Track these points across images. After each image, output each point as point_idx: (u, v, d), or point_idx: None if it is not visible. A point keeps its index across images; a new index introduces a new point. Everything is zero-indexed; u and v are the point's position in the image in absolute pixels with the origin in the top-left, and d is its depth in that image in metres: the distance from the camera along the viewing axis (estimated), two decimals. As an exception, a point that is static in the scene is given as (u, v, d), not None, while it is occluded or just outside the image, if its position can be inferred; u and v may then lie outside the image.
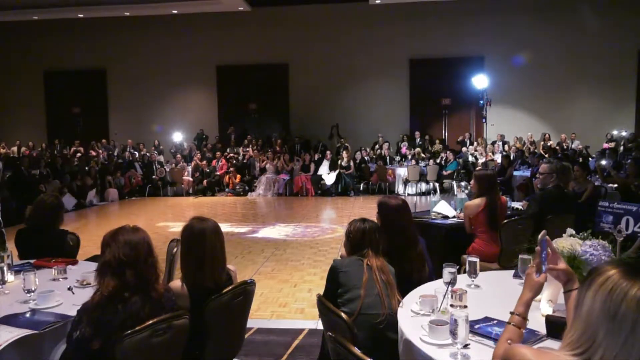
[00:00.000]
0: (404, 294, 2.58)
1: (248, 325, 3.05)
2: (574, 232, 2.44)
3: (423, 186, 13.38)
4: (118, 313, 2.07)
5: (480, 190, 4.30)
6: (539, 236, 1.88)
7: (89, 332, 2.03)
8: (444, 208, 4.99)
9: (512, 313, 1.77)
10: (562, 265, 1.86)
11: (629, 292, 1.20)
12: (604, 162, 10.05)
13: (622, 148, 13.89)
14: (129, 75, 17.81)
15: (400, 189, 13.42)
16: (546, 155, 12.14)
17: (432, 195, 12.79)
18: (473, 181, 4.42)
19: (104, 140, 16.90)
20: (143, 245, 2.19)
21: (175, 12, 16.42)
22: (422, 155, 14.45)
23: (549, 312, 2.19)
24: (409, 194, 13.08)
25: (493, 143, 15.06)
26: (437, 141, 15.89)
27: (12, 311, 2.46)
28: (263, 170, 14.18)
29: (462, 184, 9.39)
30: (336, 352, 1.99)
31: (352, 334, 2.23)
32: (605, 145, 13.90)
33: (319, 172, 13.86)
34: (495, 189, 4.34)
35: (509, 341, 1.66)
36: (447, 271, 2.50)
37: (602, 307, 1.22)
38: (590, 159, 12.49)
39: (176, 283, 2.55)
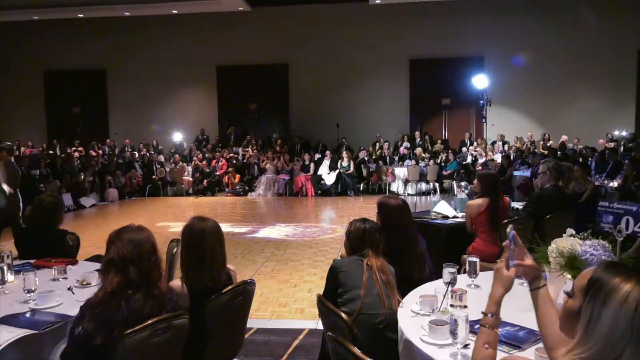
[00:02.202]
0: (404, 294, 2.58)
1: (248, 325, 3.05)
2: (574, 232, 2.43)
3: (423, 186, 13.38)
4: (121, 310, 2.09)
5: (482, 191, 4.28)
6: (507, 230, 1.81)
7: (92, 327, 2.04)
8: (444, 208, 4.99)
9: (483, 313, 1.64)
10: (528, 261, 1.74)
11: None
12: None
13: (622, 148, 13.86)
14: (129, 75, 17.78)
15: (400, 189, 13.41)
16: (546, 155, 12.12)
17: (432, 195, 12.80)
18: (476, 181, 4.39)
19: (108, 141, 16.86)
20: (147, 243, 2.22)
21: (175, 12, 16.41)
22: (422, 155, 14.45)
23: (549, 312, 2.18)
24: (409, 194, 13.08)
25: (493, 143, 15.05)
26: (438, 141, 15.87)
27: (12, 311, 2.46)
28: (263, 170, 14.18)
29: (462, 184, 9.38)
30: (336, 352, 1.99)
31: (352, 334, 2.23)
32: (603, 143, 13.86)
33: (319, 172, 13.85)
34: (498, 189, 4.31)
35: (486, 346, 1.57)
36: (447, 271, 2.51)
37: (628, 327, 1.19)
38: (590, 159, 12.47)
39: (176, 283, 2.55)
